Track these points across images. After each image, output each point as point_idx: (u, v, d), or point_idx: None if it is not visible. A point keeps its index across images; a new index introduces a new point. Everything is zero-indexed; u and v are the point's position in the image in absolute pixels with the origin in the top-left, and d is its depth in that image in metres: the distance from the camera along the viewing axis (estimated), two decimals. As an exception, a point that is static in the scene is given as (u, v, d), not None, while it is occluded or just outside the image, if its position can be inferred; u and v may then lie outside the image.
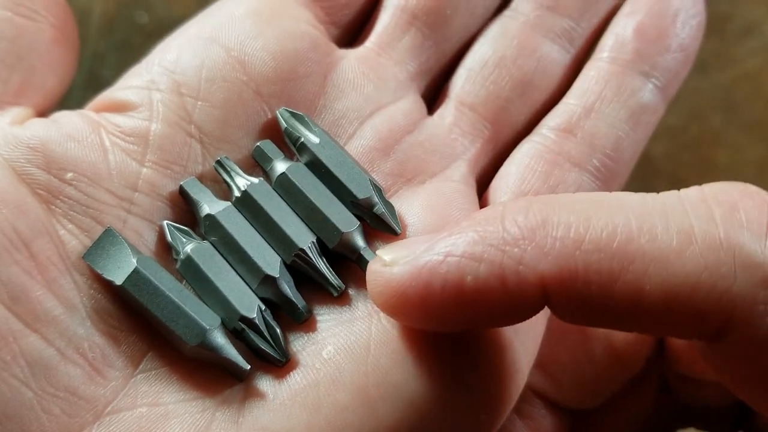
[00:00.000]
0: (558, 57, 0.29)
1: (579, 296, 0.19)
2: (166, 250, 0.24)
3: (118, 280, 0.22)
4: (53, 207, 0.23)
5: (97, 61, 0.45)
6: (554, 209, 0.20)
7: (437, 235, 0.21)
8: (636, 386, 0.29)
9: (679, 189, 0.21)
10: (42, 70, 0.27)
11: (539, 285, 0.19)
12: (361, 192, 0.24)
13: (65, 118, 0.25)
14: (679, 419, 0.30)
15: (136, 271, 0.22)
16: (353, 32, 0.30)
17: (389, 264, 0.21)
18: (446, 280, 0.20)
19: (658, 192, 0.21)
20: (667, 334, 0.20)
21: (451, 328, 0.22)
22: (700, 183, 0.21)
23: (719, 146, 0.55)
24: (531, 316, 0.20)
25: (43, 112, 0.27)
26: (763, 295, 0.18)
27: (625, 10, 0.30)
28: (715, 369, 0.21)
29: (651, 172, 0.35)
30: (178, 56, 0.26)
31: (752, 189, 0.20)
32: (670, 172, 0.32)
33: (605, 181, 0.28)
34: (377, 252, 0.22)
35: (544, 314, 0.26)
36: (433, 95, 0.30)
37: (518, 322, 0.21)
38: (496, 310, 0.20)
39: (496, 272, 0.19)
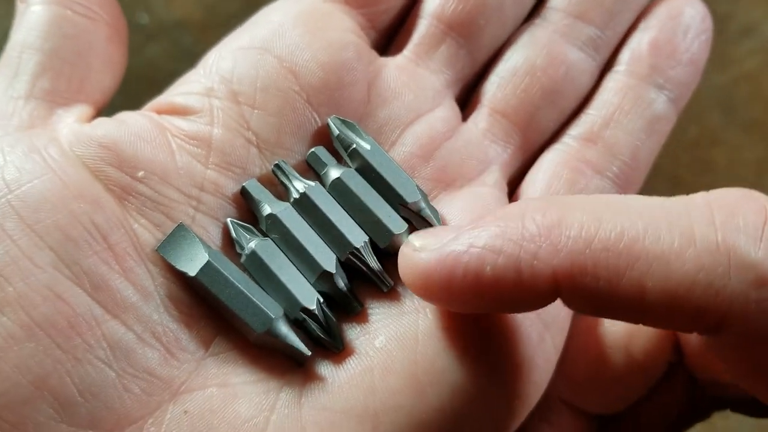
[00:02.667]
0: (584, 65, 0.33)
1: (587, 290, 0.22)
2: (229, 245, 0.27)
3: (192, 271, 0.25)
4: (126, 203, 0.26)
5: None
6: (569, 210, 0.23)
7: (463, 227, 0.24)
8: (664, 387, 0.32)
9: (678, 189, 0.24)
10: (99, 67, 0.30)
11: (552, 278, 0.22)
12: (409, 196, 0.28)
13: (131, 118, 0.28)
14: (715, 407, 0.33)
15: (208, 264, 0.25)
16: (390, 34, 0.33)
17: (418, 249, 0.24)
18: (467, 268, 0.23)
19: (657, 192, 0.24)
20: (668, 327, 0.23)
21: (470, 311, 0.25)
22: (698, 183, 0.24)
23: (718, 146, 0.58)
24: (543, 306, 0.23)
25: (100, 109, 0.30)
26: (755, 294, 0.21)
27: (640, 26, 0.34)
28: (719, 359, 0.24)
29: (650, 173, 0.39)
30: (233, 65, 0.29)
31: (754, 194, 0.23)
32: (670, 172, 0.36)
33: (623, 187, 0.32)
34: (409, 237, 0.25)
35: (569, 313, 0.29)
36: (465, 99, 0.33)
37: (531, 310, 0.24)
38: (511, 299, 0.23)
39: (513, 264, 0.22)
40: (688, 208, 0.22)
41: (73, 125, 0.27)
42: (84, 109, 0.29)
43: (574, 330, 0.30)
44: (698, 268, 0.21)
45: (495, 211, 0.24)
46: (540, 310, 0.27)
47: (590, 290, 0.22)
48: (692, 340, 0.30)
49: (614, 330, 0.31)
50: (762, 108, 0.58)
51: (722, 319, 0.21)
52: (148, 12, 0.43)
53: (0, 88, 0.28)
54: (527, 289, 0.22)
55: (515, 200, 0.31)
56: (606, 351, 0.31)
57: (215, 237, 0.27)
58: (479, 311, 0.26)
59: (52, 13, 0.29)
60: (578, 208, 0.23)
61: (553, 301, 0.23)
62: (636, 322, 0.22)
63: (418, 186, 0.29)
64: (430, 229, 0.26)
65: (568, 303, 0.23)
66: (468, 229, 0.23)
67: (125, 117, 0.28)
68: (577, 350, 0.30)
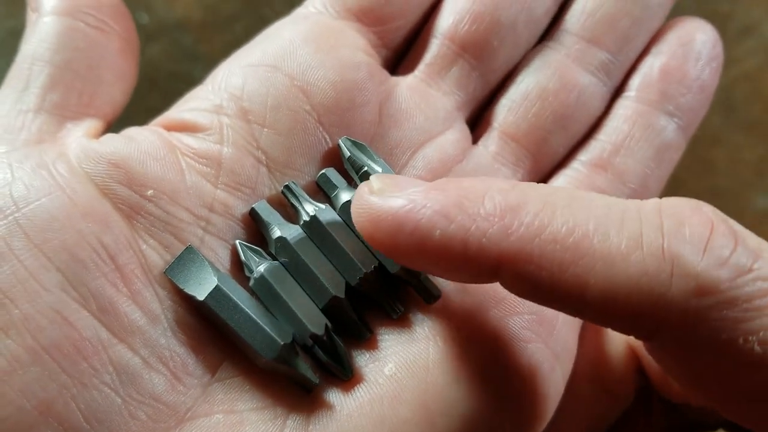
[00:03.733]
0: (596, 90, 0.33)
1: (530, 278, 0.22)
2: (237, 267, 0.27)
3: (201, 295, 0.25)
4: (135, 222, 0.26)
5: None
6: (529, 197, 0.23)
7: (426, 184, 0.24)
8: (638, 412, 0.32)
9: (678, 189, 0.24)
10: (110, 80, 0.30)
11: (495, 259, 0.22)
12: (420, 221, 0.28)
13: (140, 135, 0.28)
14: (700, 428, 0.33)
15: (217, 288, 0.25)
16: (401, 52, 0.33)
17: (376, 192, 0.24)
18: (417, 226, 0.23)
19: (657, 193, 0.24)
20: (606, 326, 0.23)
21: (410, 265, 0.25)
22: (699, 183, 0.24)
23: (718, 146, 0.58)
24: (479, 283, 0.24)
25: (110, 123, 0.30)
26: (694, 303, 0.21)
27: (651, 51, 0.34)
28: (660, 365, 0.24)
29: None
30: (243, 82, 0.29)
31: (703, 206, 0.23)
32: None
33: None
34: (371, 176, 0.25)
35: (575, 341, 0.30)
36: (475, 120, 0.33)
37: (469, 282, 0.24)
38: (453, 268, 0.23)
39: (462, 236, 0.23)
40: (640, 213, 0.23)
41: (82, 140, 0.27)
42: (94, 124, 0.29)
43: None
44: (641, 272, 0.21)
45: (460, 180, 0.24)
46: (551, 341, 0.28)
47: (533, 279, 0.22)
48: (654, 364, 0.30)
49: (581, 361, 0.31)
50: (762, 108, 0.58)
51: (659, 325, 0.22)
52: (148, 12, 0.44)
53: (9, 101, 0.28)
54: (470, 263, 0.23)
55: None
56: (575, 380, 0.31)
57: (224, 259, 0.27)
58: (420, 270, 0.26)
59: (64, 24, 0.29)
60: (538, 197, 0.23)
61: (493, 281, 0.23)
62: (575, 315, 0.23)
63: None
64: (394, 176, 0.26)
65: (506, 285, 0.23)
66: (428, 188, 0.24)
67: (134, 133, 0.28)
68: None
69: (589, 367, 0.31)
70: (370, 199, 0.24)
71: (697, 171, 0.57)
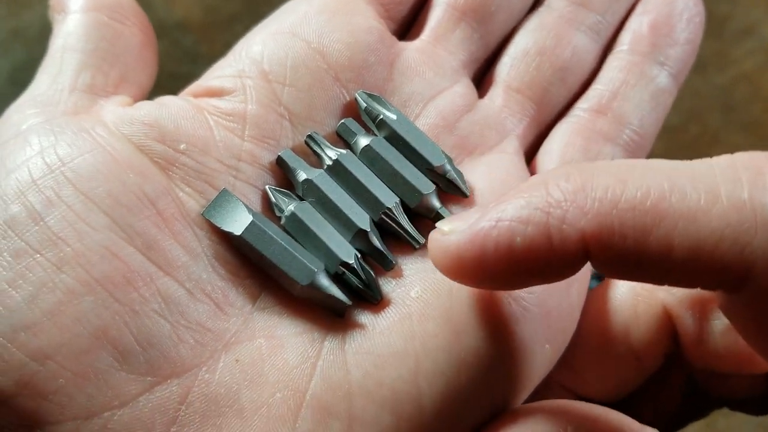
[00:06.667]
0: (588, 46, 0.38)
1: (616, 250, 0.23)
2: (268, 210, 0.31)
3: (238, 231, 0.29)
4: (171, 173, 0.30)
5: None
6: (592, 174, 0.24)
7: (488, 206, 0.26)
8: (661, 379, 0.35)
9: None
10: (135, 67, 0.34)
11: (581, 241, 0.23)
12: (435, 160, 0.32)
13: (170, 101, 0.31)
14: (713, 405, 0.36)
15: (252, 223, 0.29)
16: (406, 26, 0.37)
17: (447, 233, 0.26)
18: (498, 242, 0.24)
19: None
20: (693, 285, 0.24)
21: (505, 287, 0.28)
22: None
23: (717, 146, 0.61)
24: (576, 271, 0.25)
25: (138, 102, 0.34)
26: None
27: (638, 10, 0.39)
28: (734, 320, 0.26)
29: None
30: (263, 49, 0.33)
31: None
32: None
33: (633, 153, 0.36)
34: (437, 224, 0.27)
35: (588, 269, 0.33)
36: (479, 80, 0.37)
37: (565, 277, 0.26)
38: (544, 267, 0.24)
39: (542, 231, 0.24)
40: (713, 168, 0.24)
41: (116, 109, 0.31)
42: (124, 99, 0.33)
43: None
44: (724, 224, 0.22)
45: (518, 185, 0.26)
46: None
47: (619, 250, 0.23)
48: (689, 329, 0.33)
49: (614, 319, 0.34)
50: (761, 108, 0.61)
51: (746, 274, 0.22)
52: (149, 12, 0.48)
53: (46, 83, 0.32)
54: (559, 254, 0.24)
55: (533, 168, 0.35)
56: (606, 338, 0.34)
57: (255, 203, 0.31)
58: (514, 287, 0.28)
59: (90, 18, 0.33)
60: (602, 172, 0.24)
61: (584, 264, 0.25)
62: (662, 282, 0.24)
63: (442, 150, 0.32)
64: (456, 214, 0.28)
65: (597, 265, 0.25)
66: (493, 205, 0.26)
67: (164, 100, 0.32)
68: (578, 336, 0.33)
69: (622, 327, 0.33)
70: (446, 240, 0.26)
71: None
